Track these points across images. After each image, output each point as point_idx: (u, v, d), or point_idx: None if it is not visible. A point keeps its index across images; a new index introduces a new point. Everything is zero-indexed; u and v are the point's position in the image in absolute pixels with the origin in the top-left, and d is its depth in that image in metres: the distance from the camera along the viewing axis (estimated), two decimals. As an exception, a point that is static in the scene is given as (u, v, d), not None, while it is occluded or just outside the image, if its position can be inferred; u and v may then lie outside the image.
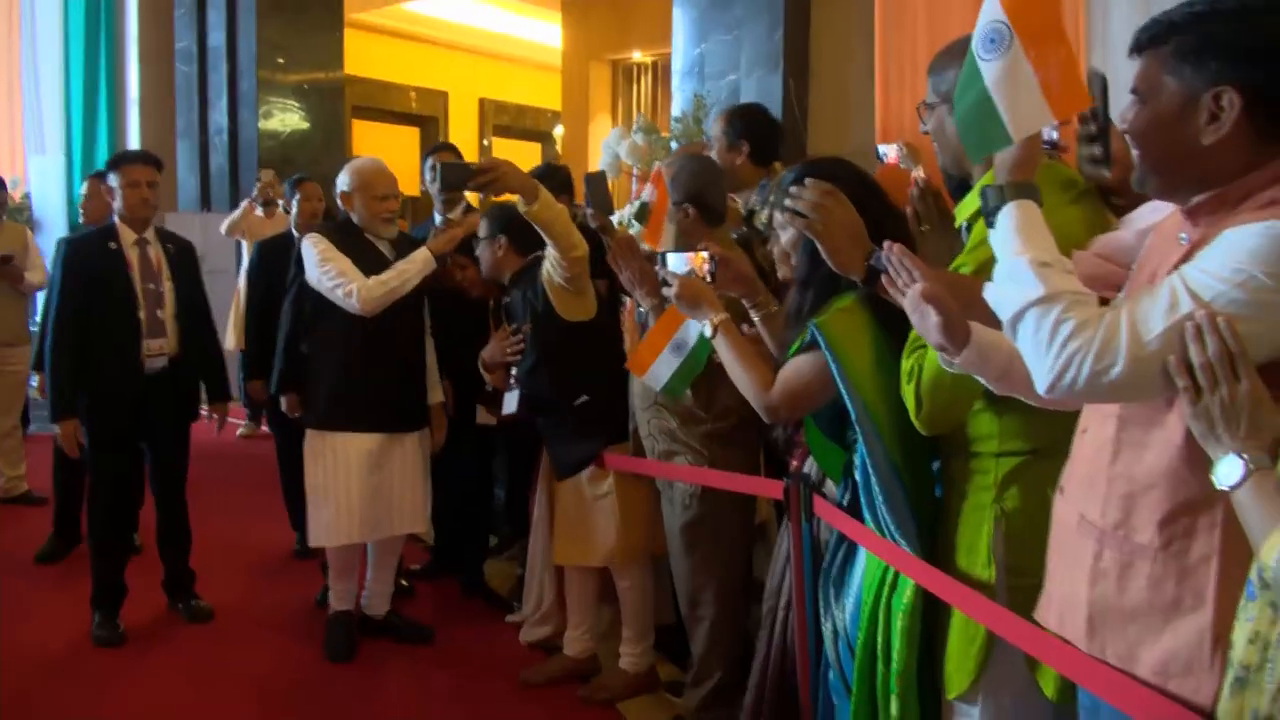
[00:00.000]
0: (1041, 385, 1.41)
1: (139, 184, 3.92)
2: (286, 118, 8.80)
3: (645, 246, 3.12)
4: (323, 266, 3.58)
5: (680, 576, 3.20)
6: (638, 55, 9.89)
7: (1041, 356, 1.39)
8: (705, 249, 2.54)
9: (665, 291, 2.53)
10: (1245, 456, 1.23)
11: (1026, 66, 1.51)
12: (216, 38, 8.79)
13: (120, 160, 4.06)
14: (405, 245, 3.80)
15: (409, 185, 7.53)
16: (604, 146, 4.95)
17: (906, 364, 1.91)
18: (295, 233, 4.66)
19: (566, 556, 3.58)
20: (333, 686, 3.59)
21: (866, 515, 2.15)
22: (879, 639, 2.08)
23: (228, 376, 4.38)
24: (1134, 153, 1.49)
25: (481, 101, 13.31)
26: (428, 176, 4.44)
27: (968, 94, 1.62)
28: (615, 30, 9.74)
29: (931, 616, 2.03)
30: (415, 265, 3.65)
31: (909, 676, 2.02)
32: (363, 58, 10.97)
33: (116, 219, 3.98)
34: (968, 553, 1.94)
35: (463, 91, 13.03)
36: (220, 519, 5.17)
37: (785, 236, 2.29)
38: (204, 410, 4.31)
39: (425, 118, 12.74)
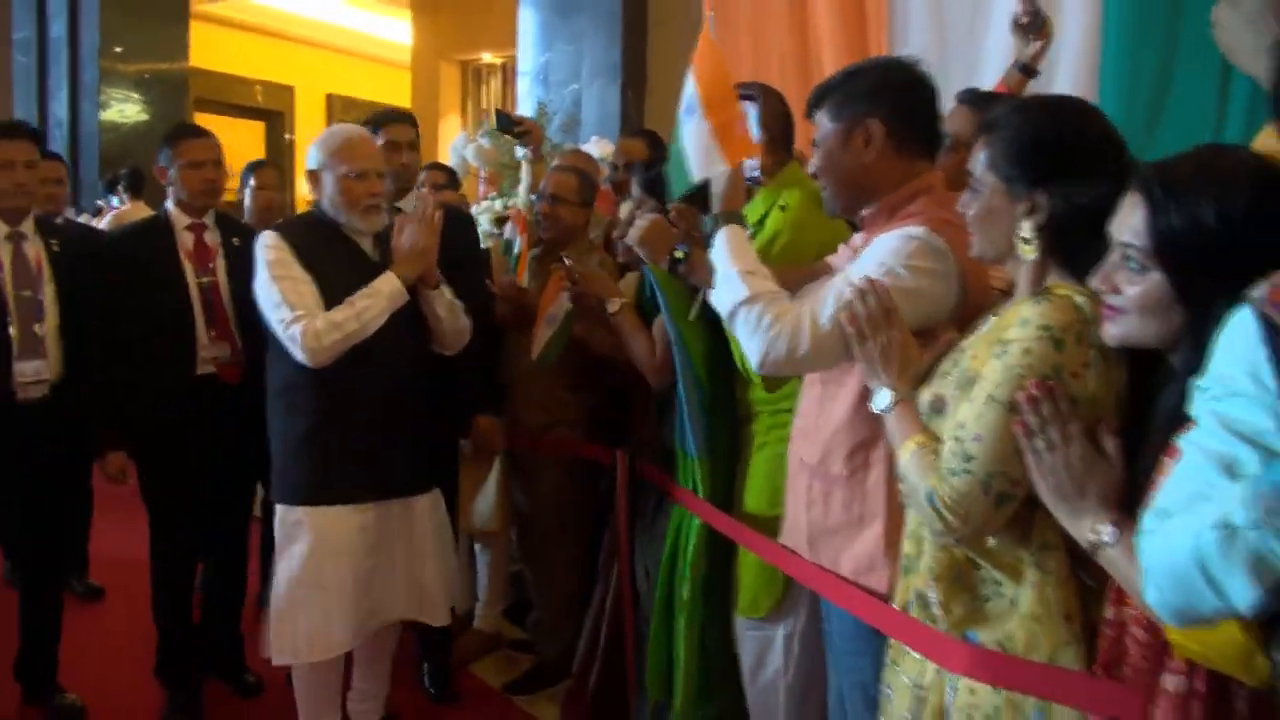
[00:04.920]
0: (754, 363, 1.90)
1: (13, 164, 3.09)
2: (127, 109, 8.71)
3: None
4: (270, 286, 2.66)
5: (551, 537, 3.41)
6: (488, 56, 10.10)
7: (751, 341, 1.87)
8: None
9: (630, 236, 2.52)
10: (894, 388, 1.64)
11: (706, 125, 2.15)
12: (57, 27, 8.66)
13: None
14: (388, 245, 2.85)
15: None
16: (451, 150, 5.20)
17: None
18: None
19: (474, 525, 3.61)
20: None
21: (676, 438, 2.58)
22: (679, 559, 2.53)
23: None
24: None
25: (329, 97, 13.27)
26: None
27: (672, 146, 2.28)
28: (465, 30, 9.90)
29: (719, 548, 2.47)
30: (379, 300, 2.68)
31: (696, 589, 2.48)
32: (208, 50, 10.84)
33: None
34: (772, 496, 2.33)
35: (310, 87, 12.98)
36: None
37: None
38: None
39: (271, 112, 12.64)
